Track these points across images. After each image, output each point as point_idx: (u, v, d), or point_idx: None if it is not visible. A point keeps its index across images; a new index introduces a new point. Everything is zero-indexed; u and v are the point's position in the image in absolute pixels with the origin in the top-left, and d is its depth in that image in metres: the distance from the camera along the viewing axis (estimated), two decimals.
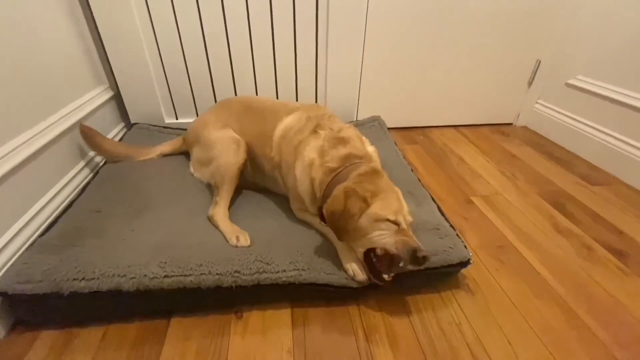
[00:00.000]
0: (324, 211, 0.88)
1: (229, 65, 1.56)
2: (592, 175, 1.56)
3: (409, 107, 1.95)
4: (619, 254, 1.11)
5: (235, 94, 1.63)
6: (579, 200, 1.38)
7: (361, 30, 1.56)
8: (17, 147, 0.98)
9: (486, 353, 0.81)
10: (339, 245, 0.96)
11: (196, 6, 1.40)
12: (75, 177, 1.22)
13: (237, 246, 0.97)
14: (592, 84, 1.68)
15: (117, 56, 1.44)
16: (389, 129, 1.74)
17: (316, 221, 1.06)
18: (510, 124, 2.10)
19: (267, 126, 1.17)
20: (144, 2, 1.36)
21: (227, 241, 0.99)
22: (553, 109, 1.90)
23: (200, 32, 1.46)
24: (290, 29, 1.51)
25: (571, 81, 1.77)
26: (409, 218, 0.90)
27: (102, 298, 0.82)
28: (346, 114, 1.80)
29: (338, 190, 0.88)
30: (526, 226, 1.23)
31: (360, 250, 0.89)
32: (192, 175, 1.29)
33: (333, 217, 0.86)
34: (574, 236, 1.19)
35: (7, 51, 0.99)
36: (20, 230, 0.94)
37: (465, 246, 0.97)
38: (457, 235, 1.01)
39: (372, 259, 0.88)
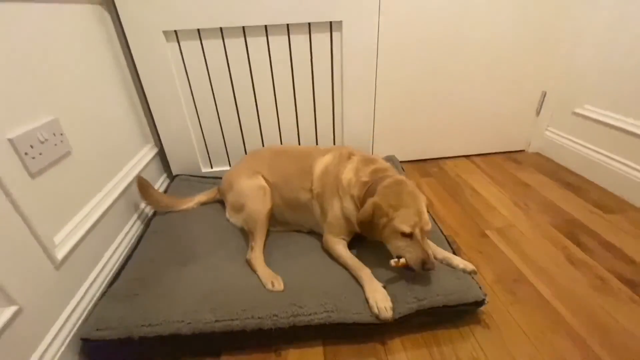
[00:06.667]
0: (356, 220, 1.13)
1: (257, 119, 1.76)
2: (606, 203, 1.60)
3: (422, 140, 2.06)
4: (631, 284, 1.16)
5: (262, 144, 1.82)
6: (592, 229, 1.43)
7: (372, 79, 1.71)
8: (93, 207, 1.18)
9: None
10: (365, 282, 1.08)
11: (228, 75, 1.62)
12: (130, 229, 1.41)
13: (272, 291, 1.10)
14: (599, 112, 1.74)
15: (162, 118, 1.67)
16: (404, 162, 1.86)
17: (344, 253, 1.19)
18: (523, 150, 2.17)
19: (304, 164, 1.36)
20: (184, 73, 1.59)
21: (264, 285, 1.12)
22: (563, 137, 1.96)
23: (232, 94, 1.68)
24: (309, 84, 1.69)
25: (578, 110, 1.84)
26: (427, 227, 1.06)
27: (164, 341, 0.97)
28: None
29: (368, 203, 1.08)
30: (540, 259, 1.30)
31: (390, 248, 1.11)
32: (228, 220, 1.45)
33: (362, 225, 1.10)
34: (587, 267, 1.24)
35: (87, 127, 1.23)
36: (93, 281, 1.12)
37: (479, 287, 1.06)
38: (472, 277, 1.10)
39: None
